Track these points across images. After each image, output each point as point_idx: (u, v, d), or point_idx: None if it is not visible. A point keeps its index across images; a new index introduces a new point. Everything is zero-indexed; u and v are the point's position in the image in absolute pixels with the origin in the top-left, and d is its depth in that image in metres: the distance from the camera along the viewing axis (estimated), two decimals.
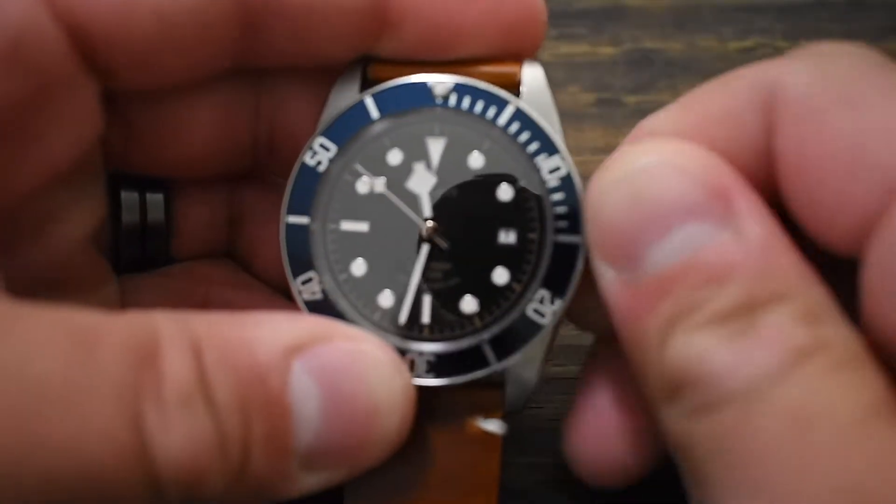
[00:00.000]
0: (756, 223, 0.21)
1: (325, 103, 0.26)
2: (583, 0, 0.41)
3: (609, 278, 0.22)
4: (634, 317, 0.21)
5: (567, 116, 0.39)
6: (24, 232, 0.24)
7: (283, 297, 0.28)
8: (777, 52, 0.40)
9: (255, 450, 0.20)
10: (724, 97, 0.23)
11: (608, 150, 0.37)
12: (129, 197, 0.28)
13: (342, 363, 0.22)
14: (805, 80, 0.22)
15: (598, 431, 0.25)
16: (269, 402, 0.21)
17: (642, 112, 0.26)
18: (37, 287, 0.23)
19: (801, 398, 0.19)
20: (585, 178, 0.37)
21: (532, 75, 0.25)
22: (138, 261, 0.29)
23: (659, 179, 0.21)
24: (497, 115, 0.24)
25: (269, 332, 0.21)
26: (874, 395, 0.19)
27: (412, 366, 0.24)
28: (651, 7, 0.41)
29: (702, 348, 0.20)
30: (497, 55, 0.25)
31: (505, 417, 0.24)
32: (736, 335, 0.20)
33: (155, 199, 0.28)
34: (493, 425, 0.24)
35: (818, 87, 0.21)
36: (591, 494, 0.28)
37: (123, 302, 0.27)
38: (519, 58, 0.26)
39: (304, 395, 0.21)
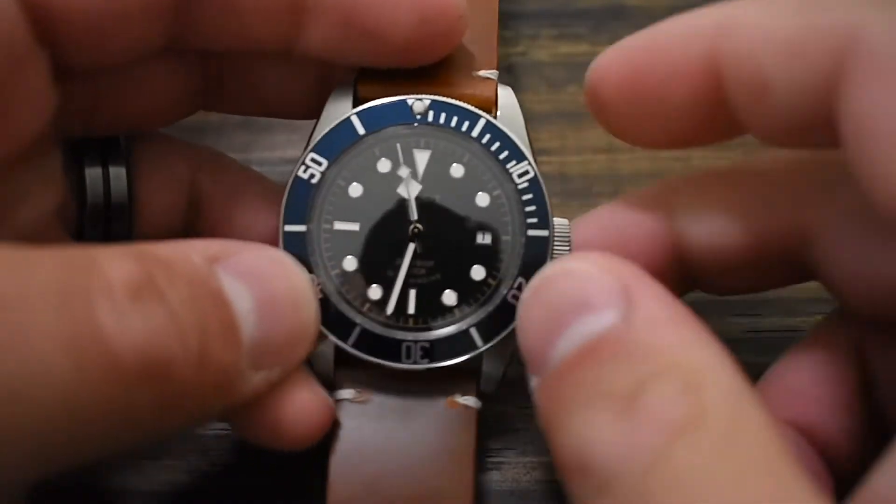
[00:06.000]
0: (648, 304, 0.22)
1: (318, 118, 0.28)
2: (583, 0, 0.41)
3: (533, 387, 0.23)
4: (545, 411, 0.22)
5: (567, 116, 0.39)
6: None
7: None
8: None
9: (211, 339, 0.22)
10: (795, 25, 0.22)
11: (609, 149, 0.37)
12: (92, 173, 0.29)
13: (261, 266, 0.24)
14: (889, 35, 0.20)
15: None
16: (214, 298, 0.23)
17: None
18: None
19: (686, 477, 0.19)
20: (587, 176, 0.38)
21: (505, 96, 0.29)
22: (101, 240, 0.29)
23: (556, 285, 0.23)
24: (471, 128, 0.28)
25: (189, 247, 0.24)
26: (763, 483, 0.19)
27: (409, 352, 0.27)
28: (651, 7, 0.41)
29: (593, 429, 0.21)
30: (412, 45, 0.27)
31: (479, 397, 0.27)
32: (623, 414, 0.21)
33: (118, 173, 0.29)
34: (470, 401, 0.27)
35: None
36: None
37: None
38: (481, 73, 0.28)
39: (237, 295, 0.23)
